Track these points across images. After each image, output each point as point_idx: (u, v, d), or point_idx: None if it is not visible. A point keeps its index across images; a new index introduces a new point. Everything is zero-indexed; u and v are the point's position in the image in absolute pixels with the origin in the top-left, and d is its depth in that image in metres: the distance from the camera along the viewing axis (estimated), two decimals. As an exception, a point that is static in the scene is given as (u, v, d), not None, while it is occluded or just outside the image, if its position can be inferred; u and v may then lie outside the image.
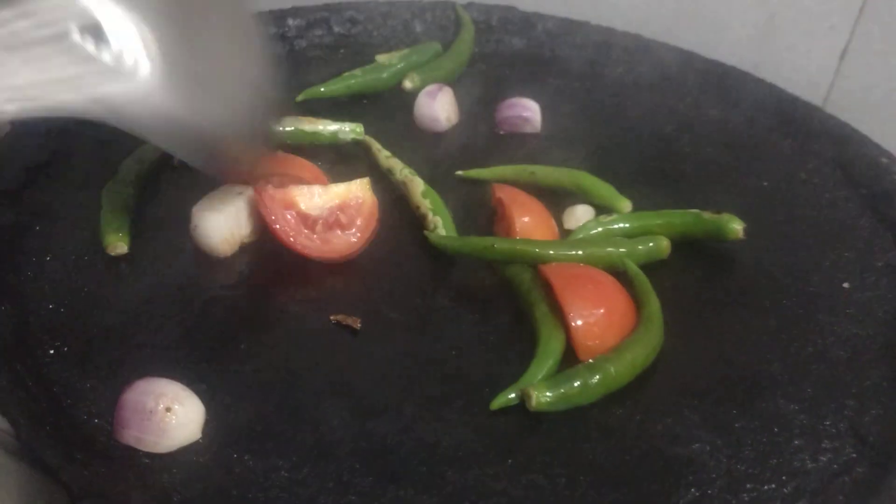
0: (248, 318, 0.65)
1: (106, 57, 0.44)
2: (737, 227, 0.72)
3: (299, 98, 0.87)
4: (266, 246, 0.70)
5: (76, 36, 0.43)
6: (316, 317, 0.65)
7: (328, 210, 0.69)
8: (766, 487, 0.55)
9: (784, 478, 0.56)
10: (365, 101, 0.90)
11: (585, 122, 0.90)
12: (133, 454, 0.54)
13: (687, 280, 0.72)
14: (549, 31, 1.01)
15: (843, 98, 0.97)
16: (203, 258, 0.69)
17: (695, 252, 0.74)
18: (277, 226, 0.67)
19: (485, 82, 0.95)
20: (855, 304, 0.70)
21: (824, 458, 0.58)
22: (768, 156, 0.87)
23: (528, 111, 0.88)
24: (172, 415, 0.54)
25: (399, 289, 0.68)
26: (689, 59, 0.97)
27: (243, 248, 0.70)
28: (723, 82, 0.95)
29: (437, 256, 0.70)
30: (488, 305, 0.68)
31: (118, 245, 0.68)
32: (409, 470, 0.55)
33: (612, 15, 1.03)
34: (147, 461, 0.54)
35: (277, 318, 0.65)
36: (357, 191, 0.71)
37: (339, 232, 0.69)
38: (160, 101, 0.46)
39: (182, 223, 0.69)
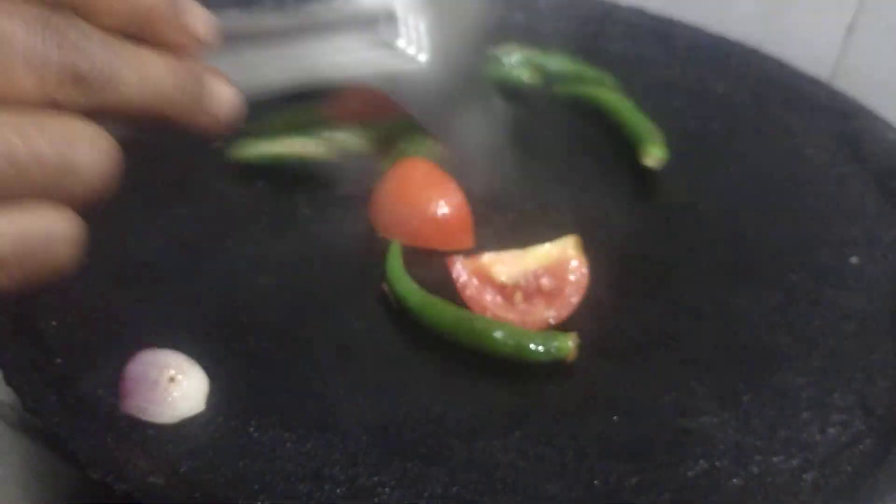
0: (251, 290, 0.65)
1: (401, 45, 0.61)
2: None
3: None
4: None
5: (382, 27, 0.60)
6: (320, 289, 0.65)
7: (527, 277, 0.62)
8: (774, 459, 0.55)
9: (793, 450, 0.56)
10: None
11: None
12: (138, 425, 0.53)
13: (693, 253, 0.71)
14: (550, 5, 1.00)
15: (849, 74, 0.96)
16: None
17: (699, 225, 0.74)
18: (471, 298, 0.62)
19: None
20: (863, 279, 0.69)
21: (833, 431, 0.57)
22: (774, 131, 0.87)
23: None
24: (176, 385, 0.54)
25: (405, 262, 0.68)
26: (693, 35, 0.97)
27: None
28: (728, 58, 0.94)
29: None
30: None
31: None
32: (416, 442, 0.55)
33: (616, -11, 1.02)
34: (152, 432, 0.53)
35: (280, 289, 0.65)
36: (562, 252, 0.63)
37: (542, 304, 0.62)
38: (428, 80, 0.63)
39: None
